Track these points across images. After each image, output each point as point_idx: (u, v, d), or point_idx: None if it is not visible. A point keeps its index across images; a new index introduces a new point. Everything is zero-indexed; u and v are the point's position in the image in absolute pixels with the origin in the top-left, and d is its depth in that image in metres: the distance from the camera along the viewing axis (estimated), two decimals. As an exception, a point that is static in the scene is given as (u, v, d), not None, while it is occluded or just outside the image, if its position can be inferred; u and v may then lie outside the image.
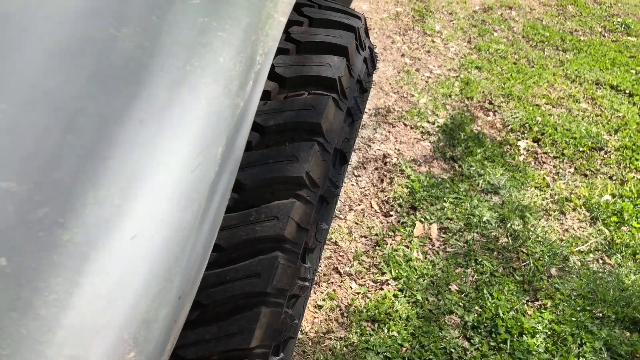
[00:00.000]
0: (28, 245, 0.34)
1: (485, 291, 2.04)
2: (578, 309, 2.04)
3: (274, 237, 0.79)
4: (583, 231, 2.48)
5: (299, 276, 0.85)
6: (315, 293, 1.95)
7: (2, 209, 0.34)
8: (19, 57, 0.35)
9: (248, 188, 0.79)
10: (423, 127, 3.00)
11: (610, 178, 2.89)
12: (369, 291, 1.99)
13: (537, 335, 1.91)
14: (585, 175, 2.88)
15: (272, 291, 0.79)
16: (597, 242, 2.42)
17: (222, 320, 0.78)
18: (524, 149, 2.99)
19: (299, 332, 1.80)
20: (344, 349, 1.76)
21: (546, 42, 4.39)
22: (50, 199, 0.35)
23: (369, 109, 3.08)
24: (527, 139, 3.07)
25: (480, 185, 2.60)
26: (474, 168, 2.71)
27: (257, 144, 0.82)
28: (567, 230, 2.47)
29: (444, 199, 2.47)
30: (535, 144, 3.04)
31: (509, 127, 3.13)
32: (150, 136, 0.41)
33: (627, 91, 3.81)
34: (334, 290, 1.97)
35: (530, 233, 2.36)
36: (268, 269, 0.79)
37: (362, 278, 2.04)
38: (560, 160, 2.95)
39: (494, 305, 1.98)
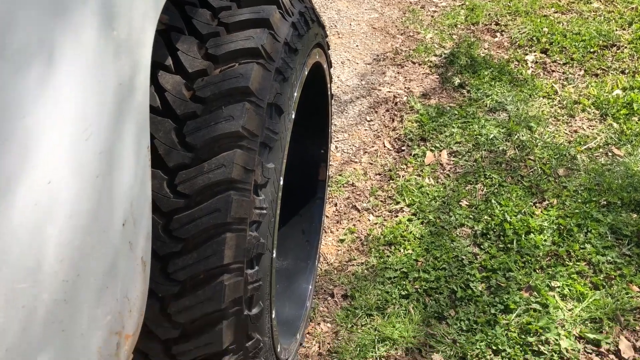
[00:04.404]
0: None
1: (493, 201, 2.21)
2: (584, 201, 2.17)
3: (224, 180, 1.03)
4: (592, 129, 2.58)
5: (255, 206, 1.09)
6: (337, 230, 2.20)
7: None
8: None
9: (199, 147, 1.04)
10: (431, 61, 3.13)
11: (623, 72, 2.93)
12: (385, 220, 2.21)
13: (544, 232, 2.07)
14: (596, 75, 2.93)
15: (232, 220, 1.04)
16: (606, 136, 2.51)
17: (199, 247, 1.04)
18: (532, 62, 3.06)
19: (325, 264, 2.06)
20: (365, 271, 2.01)
21: (556, -52, 4.31)
22: None
23: (378, 55, 3.24)
24: (535, 51, 3.13)
25: (487, 105, 2.73)
26: (481, 90, 2.84)
27: (202, 112, 1.07)
28: (575, 131, 2.57)
29: (452, 125, 2.63)
30: (544, 55, 3.11)
31: (517, 44, 3.20)
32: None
33: (642, -20, 3.73)
34: (354, 225, 2.21)
35: (538, 141, 2.49)
36: (225, 205, 1.04)
37: (378, 210, 2.26)
38: (570, 65, 3.01)
39: (502, 212, 2.16)
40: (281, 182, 1.21)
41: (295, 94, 1.27)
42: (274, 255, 1.22)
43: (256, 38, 1.13)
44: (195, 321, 1.08)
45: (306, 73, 1.37)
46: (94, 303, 0.73)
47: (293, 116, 1.27)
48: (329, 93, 1.78)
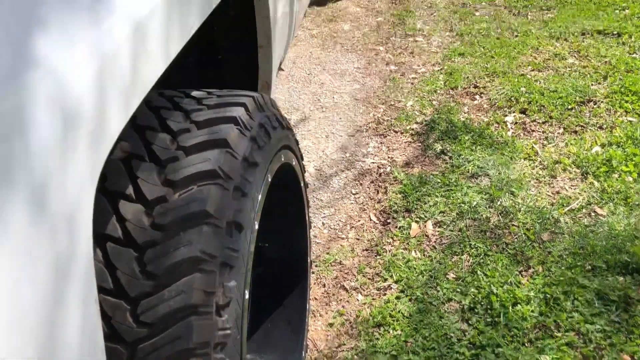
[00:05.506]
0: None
1: (479, 272, 2.21)
2: (569, 266, 2.17)
3: (184, 306, 1.06)
4: (574, 189, 2.60)
5: (218, 328, 1.11)
6: (326, 313, 2.20)
7: None
8: None
9: (159, 275, 1.07)
10: (412, 129, 3.19)
11: (601, 128, 2.97)
12: (373, 299, 2.22)
13: (531, 302, 2.06)
14: (575, 132, 2.98)
15: (194, 346, 1.06)
16: (588, 195, 2.53)
17: (163, 376, 1.05)
18: (512, 123, 3.12)
19: (314, 351, 2.05)
20: (355, 357, 2.00)
21: (529, 6, 4.46)
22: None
23: (360, 126, 3.31)
24: (514, 112, 3.20)
25: (469, 171, 2.77)
26: (463, 156, 2.88)
27: (161, 239, 1.10)
28: (557, 192, 2.59)
29: (436, 194, 2.66)
30: (523, 115, 3.17)
31: (496, 105, 3.27)
32: None
33: (614, 33, 3.85)
34: (342, 307, 2.21)
35: (520, 205, 2.51)
36: (187, 331, 1.06)
37: (367, 289, 2.27)
38: (549, 124, 3.06)
39: (488, 283, 2.16)
40: (247, 296, 1.23)
41: (258, 205, 1.31)
42: (244, 371, 1.23)
43: (213, 159, 1.18)
44: None
45: (269, 180, 1.41)
46: None
47: (256, 226, 1.30)
48: (302, 185, 1.82)
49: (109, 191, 1.12)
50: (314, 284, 2.31)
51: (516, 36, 4.02)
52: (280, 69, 3.75)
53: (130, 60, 0.86)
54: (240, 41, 1.81)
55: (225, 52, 1.84)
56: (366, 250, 2.47)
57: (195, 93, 1.41)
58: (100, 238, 1.07)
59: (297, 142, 1.74)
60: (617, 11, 4.12)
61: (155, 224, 1.11)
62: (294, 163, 1.69)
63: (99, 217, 1.04)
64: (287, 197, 1.80)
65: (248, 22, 1.76)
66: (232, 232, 1.17)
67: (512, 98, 3.29)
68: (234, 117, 1.29)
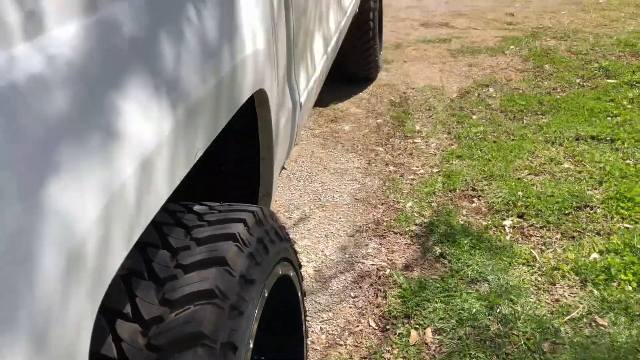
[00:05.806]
0: None
1: (479, 385, 2.17)
2: (571, 381, 2.13)
3: None
4: (574, 297, 2.59)
5: None
6: None
7: None
8: None
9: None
10: (412, 231, 3.22)
11: (598, 234, 3.00)
12: (371, 412, 2.15)
13: (533, 419, 2.01)
14: (573, 238, 3.00)
15: None
16: (588, 304, 2.51)
17: None
18: (510, 227, 3.15)
19: None
20: None
21: (524, 111, 4.62)
22: None
23: (360, 226, 3.34)
24: (512, 216, 3.24)
25: (468, 276, 2.77)
26: (462, 260, 2.89)
27: (155, 359, 1.10)
28: (557, 300, 2.58)
29: (435, 299, 2.64)
30: (521, 219, 3.20)
31: (494, 209, 3.31)
32: None
33: (607, 139, 3.96)
34: (339, 419, 2.15)
35: (520, 313, 2.49)
36: None
37: (364, 400, 2.21)
38: (547, 229, 3.09)
39: (488, 397, 2.11)
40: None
41: (254, 323, 1.31)
42: None
43: (211, 278, 1.20)
44: None
45: (266, 295, 1.42)
46: None
47: (251, 345, 1.30)
48: (299, 295, 1.82)
49: (107, 309, 1.14)
50: (311, 393, 2.25)
51: (512, 140, 4.14)
52: (282, 167, 3.85)
53: (136, 194, 0.90)
54: (242, 153, 1.89)
55: (227, 163, 1.91)
56: (365, 358, 2.42)
57: (197, 208, 1.45)
58: (95, 358, 1.07)
59: (295, 252, 1.77)
60: (609, 117, 4.27)
61: (151, 344, 1.11)
62: (291, 274, 1.70)
63: (95, 336, 1.05)
64: (284, 309, 1.80)
65: (251, 135, 1.84)
66: (226, 354, 1.17)
67: (510, 202, 3.35)
68: (233, 234, 1.32)
